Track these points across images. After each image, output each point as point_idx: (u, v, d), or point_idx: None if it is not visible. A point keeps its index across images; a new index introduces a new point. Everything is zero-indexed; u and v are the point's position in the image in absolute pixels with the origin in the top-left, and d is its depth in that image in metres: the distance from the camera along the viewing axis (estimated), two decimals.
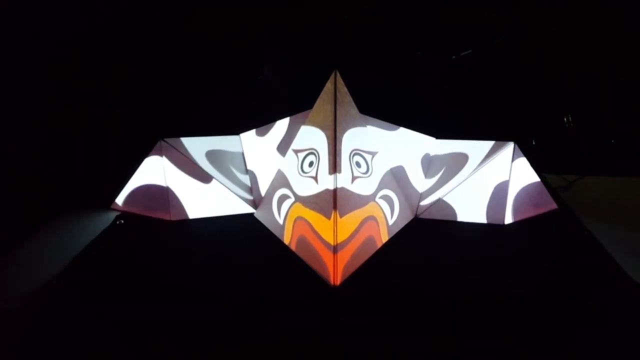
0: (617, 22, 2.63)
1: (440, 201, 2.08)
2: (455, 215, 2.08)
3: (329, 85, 1.90)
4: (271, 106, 2.50)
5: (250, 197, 2.16)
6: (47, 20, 2.34)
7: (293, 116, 2.14)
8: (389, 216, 1.97)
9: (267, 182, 2.07)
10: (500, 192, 2.05)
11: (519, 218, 2.07)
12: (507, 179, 2.04)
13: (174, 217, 2.10)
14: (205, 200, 2.13)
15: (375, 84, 2.46)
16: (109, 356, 1.42)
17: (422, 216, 2.10)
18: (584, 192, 2.42)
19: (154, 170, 2.12)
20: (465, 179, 2.06)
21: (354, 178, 1.85)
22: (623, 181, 2.52)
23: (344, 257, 1.72)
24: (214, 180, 2.13)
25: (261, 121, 2.20)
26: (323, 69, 1.92)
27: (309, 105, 1.96)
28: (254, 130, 2.23)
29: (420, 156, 2.19)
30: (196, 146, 2.16)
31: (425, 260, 1.84)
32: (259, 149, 2.19)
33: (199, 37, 2.73)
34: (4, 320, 1.52)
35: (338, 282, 1.67)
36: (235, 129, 2.23)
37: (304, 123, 1.97)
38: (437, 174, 2.14)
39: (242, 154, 2.23)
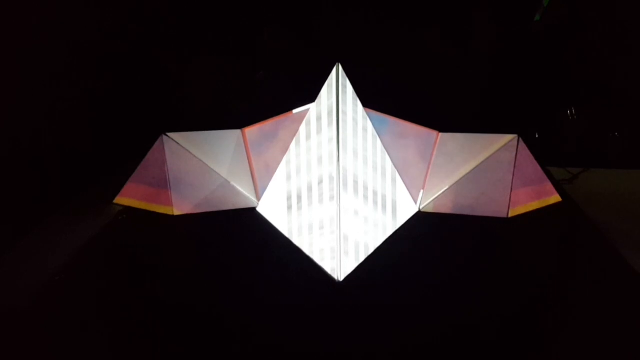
0: (620, 14, 2.61)
1: (442, 195, 2.08)
2: (458, 208, 2.08)
3: (331, 78, 1.89)
4: (273, 100, 2.49)
5: (252, 191, 2.16)
6: (44, 16, 2.33)
7: (295, 110, 2.13)
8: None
9: (269, 176, 2.07)
10: (503, 185, 2.04)
11: (522, 211, 2.06)
12: (510, 171, 2.03)
13: (177, 211, 2.09)
14: (207, 194, 2.12)
15: (378, 77, 2.45)
16: (112, 353, 1.42)
17: (424, 210, 2.09)
18: (588, 184, 2.41)
19: (156, 165, 2.11)
20: (468, 172, 2.06)
21: (357, 171, 1.85)
22: (627, 173, 2.51)
23: None
24: (216, 174, 2.12)
25: (263, 115, 2.19)
26: (326, 62, 1.91)
27: (312, 99, 1.95)
28: (256, 125, 2.22)
29: (424, 150, 2.17)
30: (198, 140, 2.15)
31: (428, 254, 1.84)
32: (261, 143, 2.18)
33: (200, 31, 2.72)
34: (7, 317, 1.52)
35: None
36: (237, 123, 2.22)
37: (306, 117, 1.96)
38: (439, 168, 2.14)
39: (245, 148, 2.22)
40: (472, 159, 2.11)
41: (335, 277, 1.69)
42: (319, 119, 1.92)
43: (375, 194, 1.93)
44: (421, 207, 2.10)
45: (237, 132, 2.21)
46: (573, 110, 2.68)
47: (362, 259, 1.77)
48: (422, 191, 2.15)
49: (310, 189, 1.88)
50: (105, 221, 2.09)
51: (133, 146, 2.19)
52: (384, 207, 1.93)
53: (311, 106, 1.96)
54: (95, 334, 1.46)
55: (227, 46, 2.76)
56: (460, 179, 2.07)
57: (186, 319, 1.51)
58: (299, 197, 1.90)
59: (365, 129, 1.95)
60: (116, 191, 2.19)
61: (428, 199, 2.11)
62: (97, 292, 1.65)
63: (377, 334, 1.45)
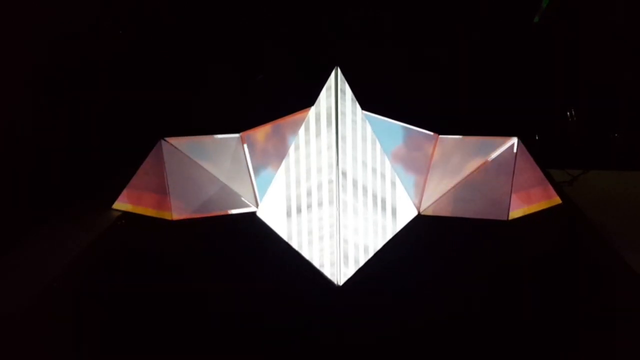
0: (619, 15, 2.61)
1: (442, 198, 2.07)
2: (458, 211, 2.07)
3: (330, 82, 1.89)
4: (272, 104, 2.49)
5: (252, 196, 2.15)
6: (42, 17, 2.33)
7: (294, 114, 2.13)
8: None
9: (269, 180, 2.07)
10: (503, 188, 2.04)
11: (522, 213, 2.06)
12: (510, 174, 2.02)
13: (175, 216, 2.09)
14: (207, 199, 2.12)
15: (377, 80, 2.44)
16: (110, 358, 1.41)
17: (424, 213, 2.09)
18: (589, 186, 2.40)
19: (155, 170, 2.11)
20: (468, 175, 2.05)
21: (356, 174, 1.84)
22: (627, 175, 2.51)
23: None
24: (215, 179, 2.12)
25: (262, 119, 2.19)
26: (324, 66, 1.91)
27: (310, 103, 1.95)
28: (255, 129, 2.22)
29: (423, 152, 2.17)
30: (197, 145, 2.15)
31: (428, 257, 1.83)
32: (260, 147, 2.18)
33: (199, 33, 2.72)
34: (4, 323, 1.52)
35: None
36: (236, 128, 2.22)
37: (305, 120, 1.96)
38: (439, 170, 2.13)
39: (244, 152, 2.22)
40: (472, 161, 2.10)
41: (335, 281, 1.68)
42: (317, 122, 1.91)
43: (374, 197, 1.93)
44: (421, 210, 2.10)
45: (236, 136, 2.21)
46: (573, 112, 2.68)
47: (362, 262, 1.77)
48: (421, 194, 2.14)
49: (309, 193, 1.88)
50: (103, 226, 2.08)
51: (131, 151, 2.19)
52: (383, 210, 1.93)
53: (310, 109, 1.95)
54: (94, 340, 1.45)
55: (226, 49, 2.75)
56: (460, 181, 2.06)
57: (186, 323, 1.51)
58: (299, 201, 1.90)
59: (364, 132, 1.95)
60: (114, 196, 2.18)
61: (428, 201, 2.10)
62: (95, 298, 1.64)
63: (377, 338, 1.45)
